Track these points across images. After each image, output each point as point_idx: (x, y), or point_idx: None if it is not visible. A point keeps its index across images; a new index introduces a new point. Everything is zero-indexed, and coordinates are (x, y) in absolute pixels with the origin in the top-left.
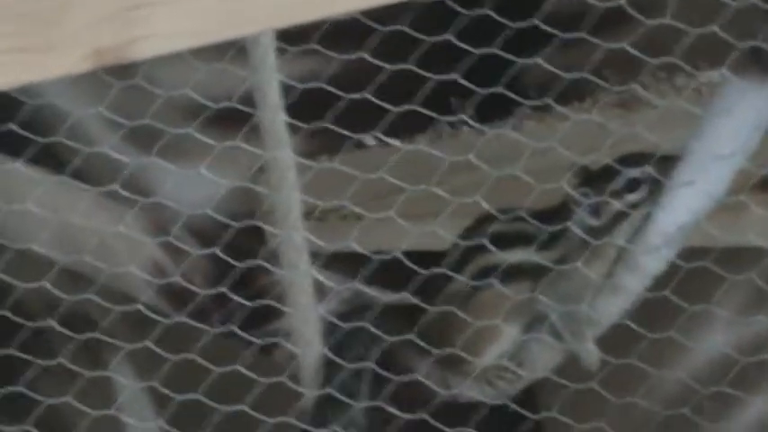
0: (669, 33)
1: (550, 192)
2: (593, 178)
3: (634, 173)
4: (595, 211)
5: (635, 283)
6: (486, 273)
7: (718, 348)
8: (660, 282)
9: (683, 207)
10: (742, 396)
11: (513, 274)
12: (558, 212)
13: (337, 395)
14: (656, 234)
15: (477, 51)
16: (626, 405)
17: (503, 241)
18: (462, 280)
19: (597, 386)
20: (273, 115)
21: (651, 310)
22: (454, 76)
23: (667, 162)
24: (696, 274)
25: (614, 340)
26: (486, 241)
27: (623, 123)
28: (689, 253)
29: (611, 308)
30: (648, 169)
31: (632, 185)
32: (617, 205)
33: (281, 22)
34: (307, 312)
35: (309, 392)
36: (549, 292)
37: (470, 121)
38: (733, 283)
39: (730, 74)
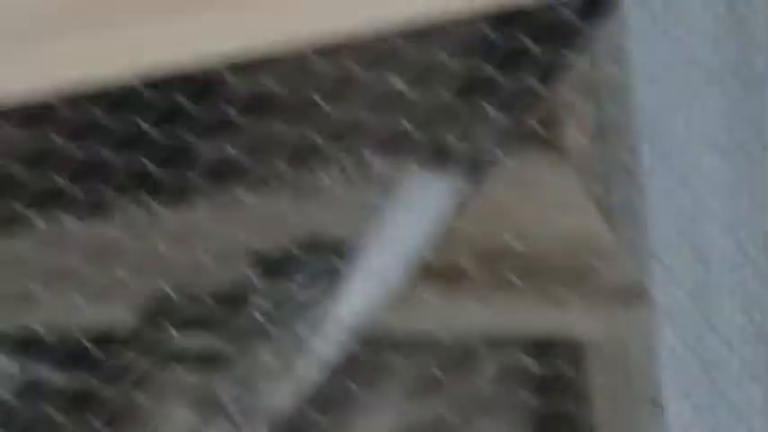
0: (346, 121)
1: (230, 277)
2: (272, 266)
3: (313, 262)
4: (273, 298)
5: (310, 370)
6: (163, 356)
7: None
8: (337, 369)
9: (360, 297)
10: None
11: (188, 357)
12: (236, 298)
13: None
14: (332, 323)
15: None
16: None
17: (180, 324)
18: (138, 363)
19: None
20: None
21: (328, 398)
22: None
23: (347, 251)
24: (371, 361)
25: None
26: (164, 325)
27: (298, 210)
28: (366, 340)
29: (286, 395)
30: (327, 258)
31: (311, 274)
32: (294, 294)
33: None
34: None
35: None
36: (223, 377)
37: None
38: (406, 370)
39: (411, 165)
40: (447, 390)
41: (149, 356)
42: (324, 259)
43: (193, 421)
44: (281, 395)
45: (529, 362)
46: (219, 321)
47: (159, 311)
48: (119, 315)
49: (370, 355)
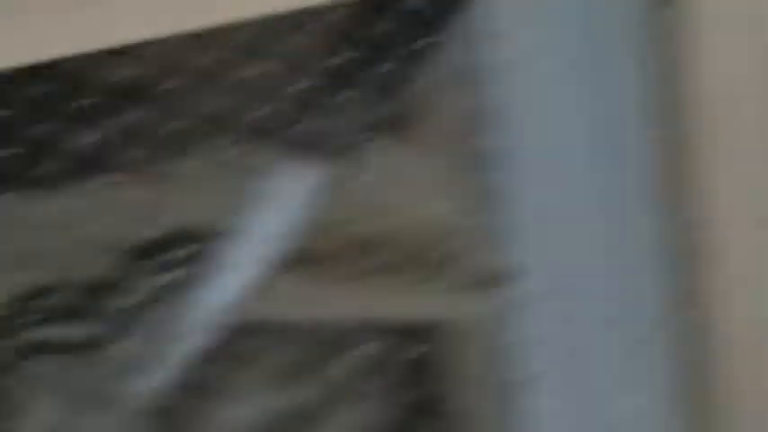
0: (214, 108)
1: (92, 265)
2: (135, 254)
3: (176, 250)
4: (134, 287)
5: (179, 357)
6: (27, 348)
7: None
8: (205, 357)
9: (225, 287)
10: None
11: (49, 348)
12: (98, 286)
13: None
14: (201, 311)
15: None
16: None
17: (50, 314)
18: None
19: None
20: None
21: (195, 385)
22: None
23: (211, 239)
24: (239, 349)
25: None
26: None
27: (166, 199)
28: (234, 328)
29: (155, 382)
30: (191, 247)
31: (173, 263)
32: (157, 282)
33: None
34: None
35: None
36: (83, 367)
37: None
38: (273, 358)
39: (277, 153)
40: (315, 377)
41: (16, 347)
42: (193, 247)
43: (62, 412)
44: (151, 382)
45: (397, 347)
46: (89, 310)
47: (29, 301)
48: None
49: (238, 343)
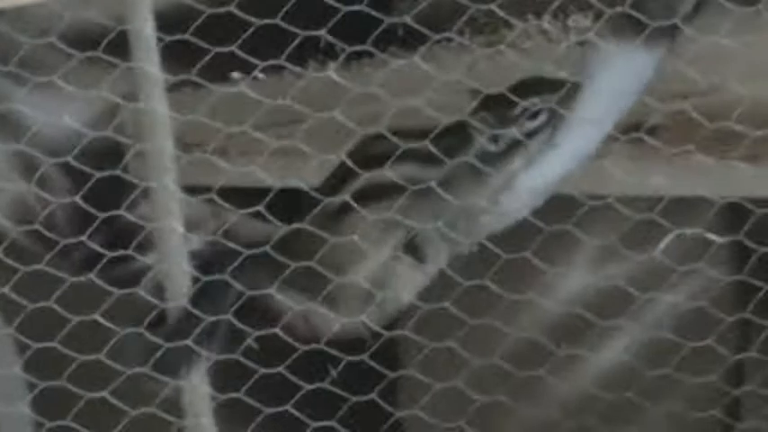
0: None
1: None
2: (492, 104)
3: (533, 100)
4: (494, 136)
5: (514, 208)
6: (366, 192)
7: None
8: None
9: (553, 167)
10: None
11: (391, 191)
12: (454, 132)
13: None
14: (524, 189)
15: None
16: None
17: (391, 157)
18: (333, 201)
19: (455, 344)
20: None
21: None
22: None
23: (565, 91)
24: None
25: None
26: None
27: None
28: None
29: (483, 229)
30: (547, 97)
31: (531, 112)
32: (515, 132)
33: None
34: (175, 249)
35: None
36: (425, 211)
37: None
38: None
39: (604, 37)
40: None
41: (350, 193)
42: (545, 98)
43: (385, 259)
44: (480, 229)
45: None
46: (433, 153)
47: (369, 147)
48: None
49: (563, 216)
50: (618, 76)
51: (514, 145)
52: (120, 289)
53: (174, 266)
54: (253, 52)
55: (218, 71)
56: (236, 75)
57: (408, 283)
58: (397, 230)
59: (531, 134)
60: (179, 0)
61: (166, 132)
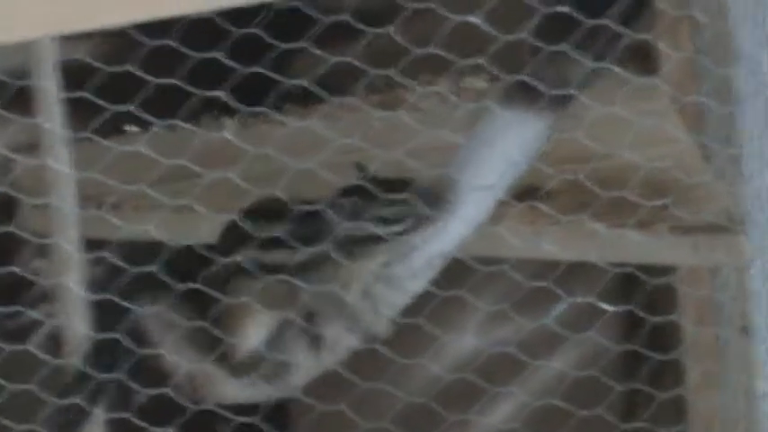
0: (432, 36)
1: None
2: (366, 190)
3: (400, 202)
4: (357, 225)
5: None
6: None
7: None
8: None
9: (449, 237)
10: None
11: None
12: (319, 213)
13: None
14: (419, 260)
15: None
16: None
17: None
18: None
19: (346, 408)
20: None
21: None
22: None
23: (433, 190)
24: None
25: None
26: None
27: (388, 122)
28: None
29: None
30: (414, 198)
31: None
32: (379, 229)
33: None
34: (74, 304)
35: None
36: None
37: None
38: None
39: (497, 104)
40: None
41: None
42: (413, 198)
43: (276, 326)
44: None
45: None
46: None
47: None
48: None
49: (459, 279)
50: (510, 142)
51: (373, 239)
52: (9, 343)
53: (72, 321)
54: (147, 105)
55: (113, 125)
56: (131, 128)
57: (302, 362)
58: (284, 302)
59: (395, 233)
60: (75, 57)
61: (69, 188)
